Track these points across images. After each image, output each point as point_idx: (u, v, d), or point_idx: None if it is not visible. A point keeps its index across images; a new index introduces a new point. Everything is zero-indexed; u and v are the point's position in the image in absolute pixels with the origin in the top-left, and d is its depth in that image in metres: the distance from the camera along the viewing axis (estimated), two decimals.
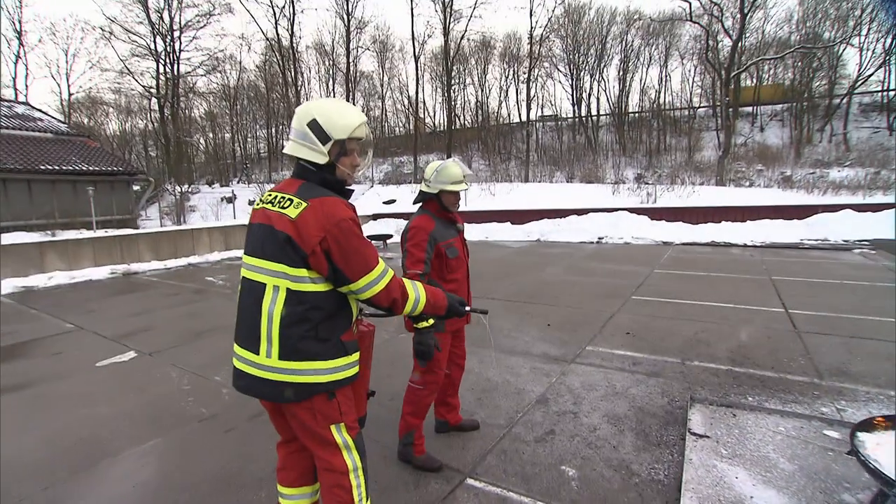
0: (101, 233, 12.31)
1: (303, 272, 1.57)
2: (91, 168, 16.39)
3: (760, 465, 2.56)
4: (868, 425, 2.37)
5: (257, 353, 1.62)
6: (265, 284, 1.61)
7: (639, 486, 2.47)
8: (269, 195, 1.70)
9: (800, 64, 28.72)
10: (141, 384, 4.09)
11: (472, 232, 15.51)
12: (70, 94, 33.76)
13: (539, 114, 34.61)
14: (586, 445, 2.88)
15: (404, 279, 1.76)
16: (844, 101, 27.25)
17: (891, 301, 6.08)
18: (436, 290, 1.85)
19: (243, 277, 1.70)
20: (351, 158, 1.71)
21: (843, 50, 27.77)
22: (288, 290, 1.58)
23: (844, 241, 11.56)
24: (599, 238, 13.49)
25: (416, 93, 31.75)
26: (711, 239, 12.56)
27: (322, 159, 1.65)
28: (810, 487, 2.40)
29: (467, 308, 1.89)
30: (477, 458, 2.79)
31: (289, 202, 1.61)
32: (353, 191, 1.78)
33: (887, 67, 27.58)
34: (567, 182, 23.73)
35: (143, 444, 3.08)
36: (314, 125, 1.63)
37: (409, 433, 2.68)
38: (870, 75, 27.53)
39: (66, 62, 40.37)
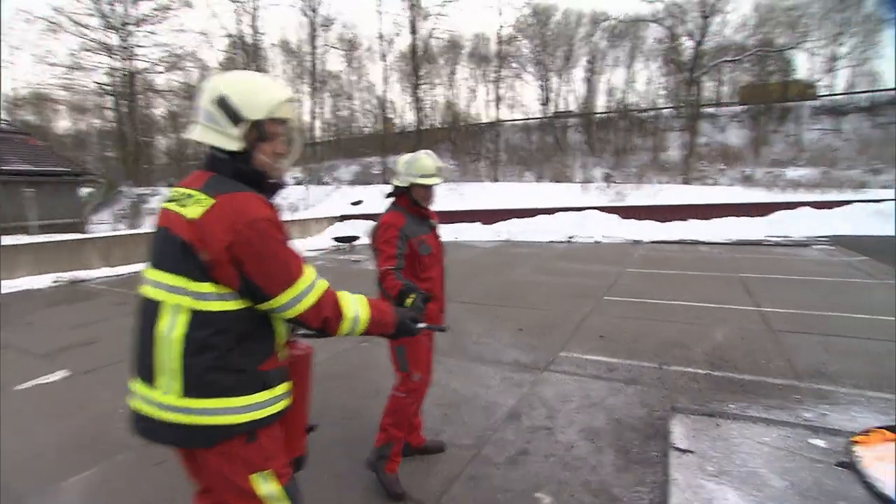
0: (42, 238, 11.45)
1: (207, 287, 1.24)
2: (32, 168, 15.29)
3: (750, 482, 2.35)
4: (865, 437, 2.19)
5: (155, 389, 1.28)
6: (162, 303, 1.27)
7: None
8: (174, 192, 1.36)
9: (756, 68, 29.65)
10: (70, 408, 3.61)
11: (442, 232, 15.23)
12: (13, 91, 31.78)
13: (509, 113, 34.64)
14: (563, 467, 2.61)
15: (343, 293, 1.44)
16: (797, 104, 28.24)
17: (856, 297, 6.11)
18: (383, 305, 1.53)
19: (140, 295, 1.35)
20: (273, 145, 1.38)
21: (795, 55, 28.81)
22: (190, 310, 1.24)
23: (805, 237, 11.80)
24: (569, 237, 13.41)
25: (384, 93, 31.23)
26: (680, 237, 12.65)
27: (234, 145, 1.32)
28: None
29: (422, 325, 1.57)
30: (442, 485, 2.49)
31: (190, 199, 1.27)
32: (280, 186, 1.45)
33: (834, 73, 28.89)
34: (536, 182, 23.73)
35: (52, 484, 2.64)
36: (223, 103, 1.30)
37: (388, 445, 2.44)
38: (818, 80, 28.70)
39: (9, 55, 38.01)
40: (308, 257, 11.52)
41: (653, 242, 12.32)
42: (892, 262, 8.13)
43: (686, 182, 20.69)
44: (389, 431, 2.43)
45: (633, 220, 14.44)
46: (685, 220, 14.19)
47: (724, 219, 13.83)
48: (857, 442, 2.13)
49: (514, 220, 15.54)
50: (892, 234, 11.67)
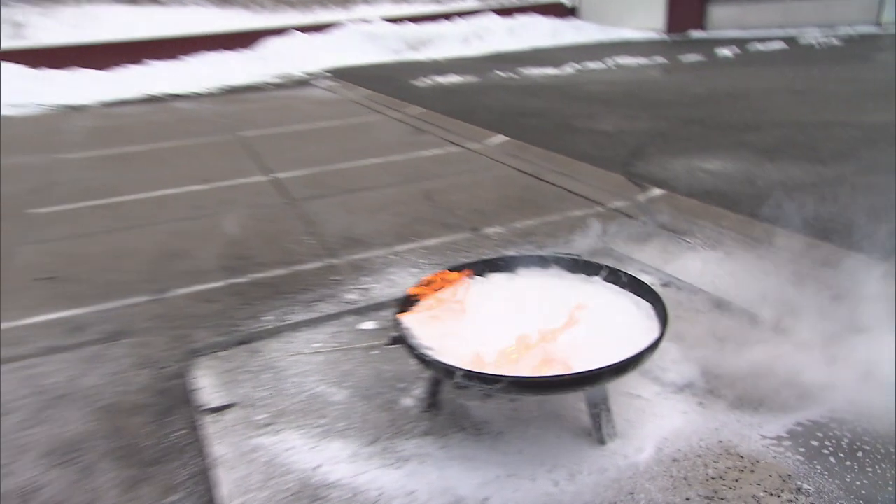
0: None
1: None
2: None
3: (311, 413, 2.58)
4: (407, 305, 2.72)
5: None
6: None
7: None
8: None
9: None
10: None
11: None
12: None
13: None
14: None
15: None
16: None
17: (370, 139, 7.78)
18: None
19: None
20: None
21: None
22: None
23: (307, 73, 13.98)
24: None
25: None
26: (144, 90, 12.90)
27: None
28: (371, 411, 2.59)
29: None
30: None
31: None
32: None
33: None
34: None
35: None
36: None
37: None
38: None
39: None
40: None
41: (104, 105, 12.22)
42: (391, 92, 10.75)
43: (132, 2, 20.49)
44: None
45: (56, 72, 14.02)
46: (142, 62, 14.64)
47: (200, 56, 14.83)
48: (402, 312, 2.63)
49: None
50: (386, 60, 15.32)
